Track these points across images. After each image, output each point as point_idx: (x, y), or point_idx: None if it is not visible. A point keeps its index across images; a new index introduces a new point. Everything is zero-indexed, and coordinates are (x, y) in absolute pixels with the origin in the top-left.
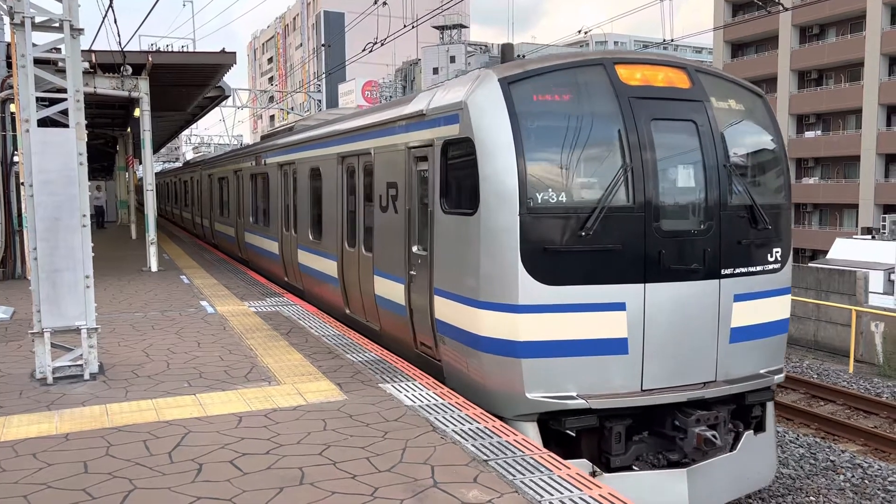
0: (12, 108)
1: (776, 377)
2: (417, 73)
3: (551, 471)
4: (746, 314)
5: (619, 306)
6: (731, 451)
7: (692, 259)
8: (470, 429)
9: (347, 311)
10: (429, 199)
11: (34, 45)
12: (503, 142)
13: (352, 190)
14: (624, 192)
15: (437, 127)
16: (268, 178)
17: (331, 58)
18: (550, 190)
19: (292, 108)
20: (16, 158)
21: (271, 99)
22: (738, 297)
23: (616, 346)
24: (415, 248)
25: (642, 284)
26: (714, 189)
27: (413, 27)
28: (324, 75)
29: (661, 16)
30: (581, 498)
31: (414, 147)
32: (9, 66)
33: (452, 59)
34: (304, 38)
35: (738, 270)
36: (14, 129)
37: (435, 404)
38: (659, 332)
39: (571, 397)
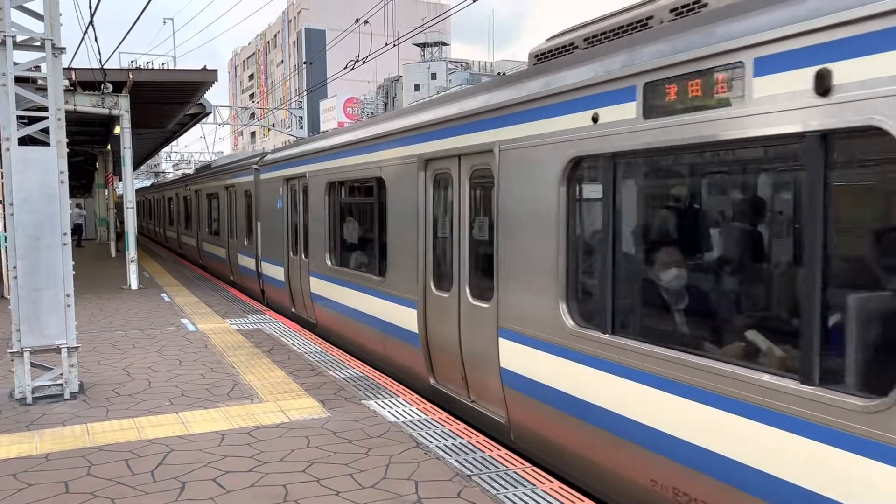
0: None
1: None
2: (399, 89)
3: (535, 485)
4: None
5: None
6: None
7: None
8: (454, 444)
9: None
10: None
11: (15, 63)
12: None
13: None
14: None
15: None
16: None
17: (312, 74)
18: None
19: (273, 125)
20: None
21: (252, 116)
22: None
23: None
24: None
25: None
26: None
27: (395, 45)
28: (305, 92)
29: None
30: None
31: None
32: None
33: (434, 76)
34: (286, 55)
35: None
36: None
37: (418, 420)
38: None
39: None
